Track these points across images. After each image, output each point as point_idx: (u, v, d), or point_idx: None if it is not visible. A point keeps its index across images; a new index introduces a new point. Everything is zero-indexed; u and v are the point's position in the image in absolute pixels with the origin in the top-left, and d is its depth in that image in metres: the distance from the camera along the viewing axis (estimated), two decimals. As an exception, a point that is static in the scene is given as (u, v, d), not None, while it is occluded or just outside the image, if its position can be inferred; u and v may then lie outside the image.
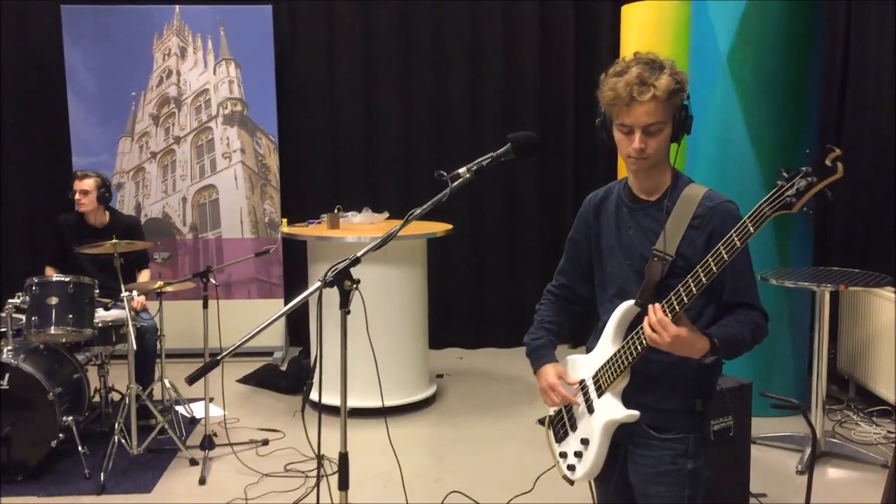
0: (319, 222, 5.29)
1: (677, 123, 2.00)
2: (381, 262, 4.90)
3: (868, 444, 4.40)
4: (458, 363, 6.24)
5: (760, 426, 4.46)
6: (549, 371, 2.24)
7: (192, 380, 1.86)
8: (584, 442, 2.15)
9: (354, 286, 1.92)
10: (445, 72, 6.46)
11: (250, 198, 6.23)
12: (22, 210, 6.41)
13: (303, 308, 5.21)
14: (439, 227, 5.13)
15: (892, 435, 4.52)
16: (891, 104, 5.06)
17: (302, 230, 5.15)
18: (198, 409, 4.79)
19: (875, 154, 5.21)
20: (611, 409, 2.09)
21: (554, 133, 6.40)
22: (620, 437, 2.12)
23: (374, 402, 4.92)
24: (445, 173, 2.06)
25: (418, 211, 2.06)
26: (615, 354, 2.09)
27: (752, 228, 1.79)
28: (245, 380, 5.67)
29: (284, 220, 5.60)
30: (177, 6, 6.10)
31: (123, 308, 4.24)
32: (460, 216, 6.42)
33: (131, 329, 4.04)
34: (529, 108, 6.42)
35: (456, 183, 2.06)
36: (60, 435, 4.04)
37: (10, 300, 4.12)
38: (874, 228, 5.19)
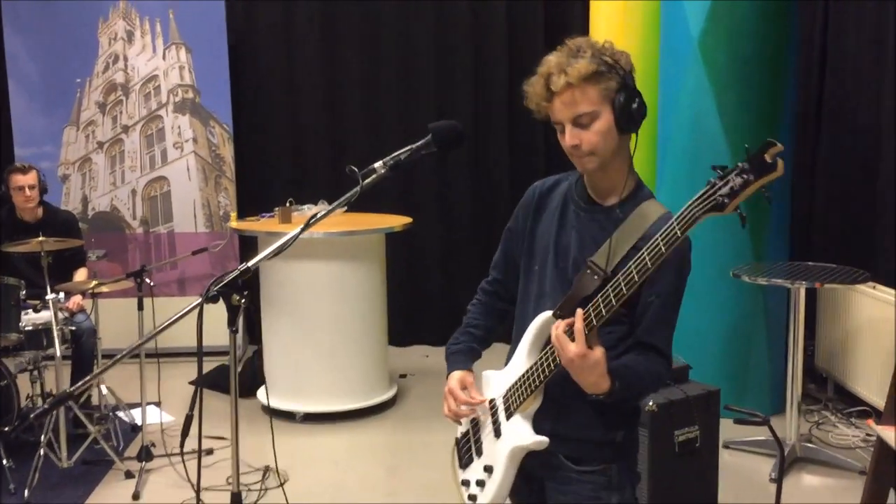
0: (272, 216, 5.01)
1: (616, 110, 1.74)
2: (334, 259, 4.64)
3: (846, 448, 4.19)
4: (424, 362, 5.99)
5: (733, 430, 4.24)
6: (454, 377, 1.99)
7: (36, 417, 1.58)
8: (488, 469, 1.90)
9: (243, 301, 1.64)
10: (411, 60, 6.17)
11: (204, 190, 5.93)
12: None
13: (257, 303, 4.96)
14: (398, 221, 4.87)
15: (871, 438, 4.30)
16: (872, 89, 4.82)
17: (251, 225, 4.88)
18: (150, 413, 4.51)
19: (856, 142, 4.98)
20: (518, 434, 1.84)
21: (527, 128, 6.11)
22: (535, 469, 1.88)
23: (328, 407, 4.70)
24: (357, 169, 1.78)
25: (322, 213, 1.78)
26: (527, 371, 1.84)
27: (679, 231, 1.54)
28: (196, 381, 5.39)
29: (233, 215, 5.32)
30: (123, -12, 5.78)
31: (59, 309, 3.98)
32: (428, 209, 6.18)
33: (55, 331, 3.77)
34: (497, 101, 6.15)
35: (369, 179, 1.79)
36: (-17, 448, 3.76)
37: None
38: (854, 221, 4.96)
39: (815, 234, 5.28)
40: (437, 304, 6.27)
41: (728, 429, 4.17)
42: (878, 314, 4.27)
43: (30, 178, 4.41)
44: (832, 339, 4.83)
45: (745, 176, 1.46)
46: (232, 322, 1.63)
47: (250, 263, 1.68)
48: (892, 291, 4.18)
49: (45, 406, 1.54)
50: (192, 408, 1.71)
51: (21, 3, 5.69)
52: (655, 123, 4.91)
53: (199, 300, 1.62)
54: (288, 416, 4.74)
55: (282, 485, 3.88)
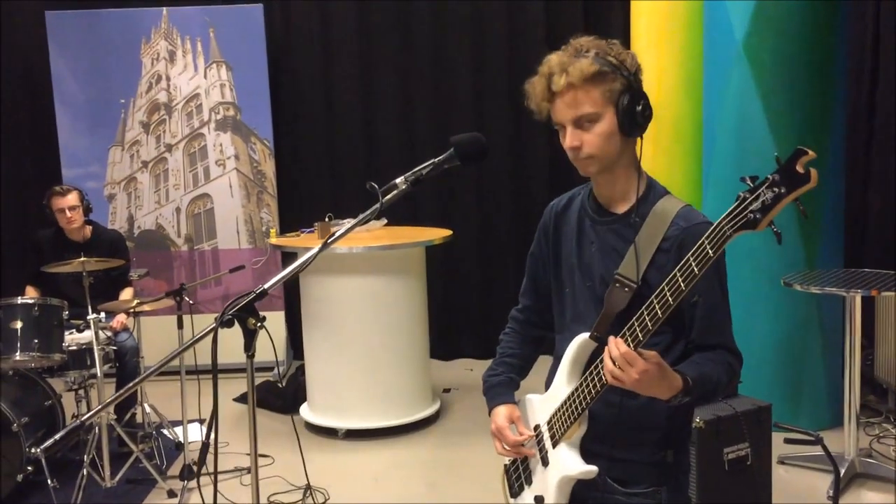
0: (312, 231, 5.00)
1: (620, 112, 1.66)
2: (374, 273, 4.60)
3: (909, 464, 3.99)
4: (468, 375, 5.91)
5: (790, 445, 4.09)
6: (500, 413, 1.91)
7: (46, 450, 1.54)
8: (539, 500, 1.83)
9: (260, 325, 1.59)
10: (448, 70, 6.12)
11: (246, 206, 5.96)
12: (12, 225, 6.20)
13: (300, 319, 4.95)
14: (437, 234, 4.81)
15: (937, 452, 4.11)
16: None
17: (290, 241, 4.87)
18: (192, 431, 4.52)
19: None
20: (566, 463, 1.76)
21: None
22: (581, 493, 1.79)
23: (370, 423, 4.65)
24: (377, 185, 1.72)
25: (341, 231, 1.72)
26: (569, 397, 1.76)
27: (710, 251, 1.45)
28: (241, 398, 5.40)
29: (273, 231, 5.32)
30: (164, 8, 5.84)
31: (102, 328, 4.01)
32: (469, 222, 6.12)
33: (97, 351, 3.79)
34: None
35: (389, 196, 1.73)
36: (28, 468, 3.79)
37: (-28, 325, 3.88)
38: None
39: (870, 240, 5.07)
40: (480, 317, 6.20)
41: (784, 444, 4.02)
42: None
43: (70, 200, 4.45)
44: (892, 348, 4.63)
45: (776, 189, 1.35)
46: (248, 347, 1.58)
47: (266, 286, 1.63)
48: (955, 298, 3.97)
49: (56, 437, 1.51)
50: (208, 435, 1.65)
51: (66, 25, 5.79)
52: (701, 127, 4.77)
53: (213, 325, 1.57)
54: (330, 432, 4.70)
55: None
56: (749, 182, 1.39)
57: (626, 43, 5.44)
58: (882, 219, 5.05)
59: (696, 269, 1.47)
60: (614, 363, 1.56)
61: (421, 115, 6.14)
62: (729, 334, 1.73)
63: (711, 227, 1.44)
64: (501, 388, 1.96)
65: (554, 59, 1.69)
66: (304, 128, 6.17)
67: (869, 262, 4.58)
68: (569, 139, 1.69)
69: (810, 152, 1.33)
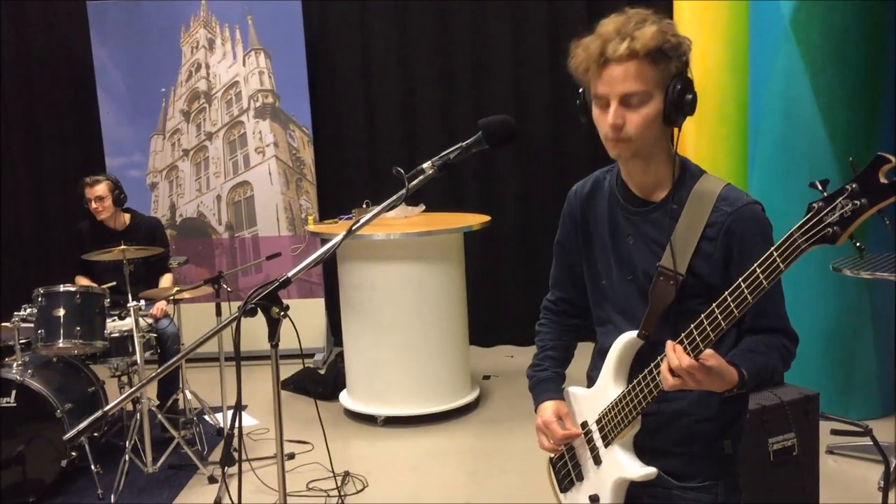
0: (350, 217, 4.99)
1: (669, 98, 1.55)
2: (412, 259, 4.57)
3: (965, 455, 3.85)
4: (509, 362, 5.87)
5: (839, 436, 3.97)
6: (548, 408, 1.85)
7: (69, 440, 1.54)
8: (594, 500, 1.78)
9: (283, 314, 1.56)
10: (487, 56, 6.05)
11: (286, 193, 5.97)
12: (60, 215, 6.30)
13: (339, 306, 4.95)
14: (475, 220, 4.76)
15: None
16: None
17: (327, 228, 4.86)
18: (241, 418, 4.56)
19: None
20: (622, 465, 1.71)
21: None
22: (635, 488, 1.74)
23: (409, 410, 4.63)
24: (403, 171, 1.68)
25: (365, 218, 1.68)
26: (622, 399, 1.69)
27: (781, 265, 1.36)
28: (282, 385, 5.43)
29: (311, 218, 5.32)
30: (203, -3, 5.86)
31: (142, 316, 4.05)
32: (510, 207, 6.05)
33: (137, 338, 3.83)
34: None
35: (416, 181, 1.68)
36: (73, 453, 3.85)
37: (16, 312, 3.94)
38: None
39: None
40: (519, 304, 6.14)
41: (832, 435, 3.90)
42: None
43: (97, 191, 4.49)
44: (947, 335, 4.47)
45: (857, 202, 1.25)
46: (272, 336, 1.55)
47: (290, 274, 1.60)
48: None
49: (81, 427, 1.50)
50: (232, 425, 1.63)
51: (107, 15, 5.84)
52: (746, 108, 4.64)
53: (236, 313, 1.54)
54: (369, 419, 4.70)
55: (359, 492, 3.85)
56: (820, 187, 1.29)
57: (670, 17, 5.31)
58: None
59: (764, 283, 1.39)
60: (674, 373, 1.50)
61: (460, 101, 6.07)
62: (784, 316, 1.66)
63: (783, 238, 1.35)
64: (549, 384, 1.90)
65: (612, 24, 1.56)
66: (343, 115, 6.15)
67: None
68: (612, 115, 1.56)
69: (894, 160, 1.22)
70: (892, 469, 3.59)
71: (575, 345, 2.01)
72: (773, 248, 1.37)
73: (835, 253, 4.04)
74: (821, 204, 1.29)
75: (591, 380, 1.84)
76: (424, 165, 1.70)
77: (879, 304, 4.23)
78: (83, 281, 4.53)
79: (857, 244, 1.29)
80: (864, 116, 4.16)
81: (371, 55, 6.10)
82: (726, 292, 1.45)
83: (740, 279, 1.42)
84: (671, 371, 1.50)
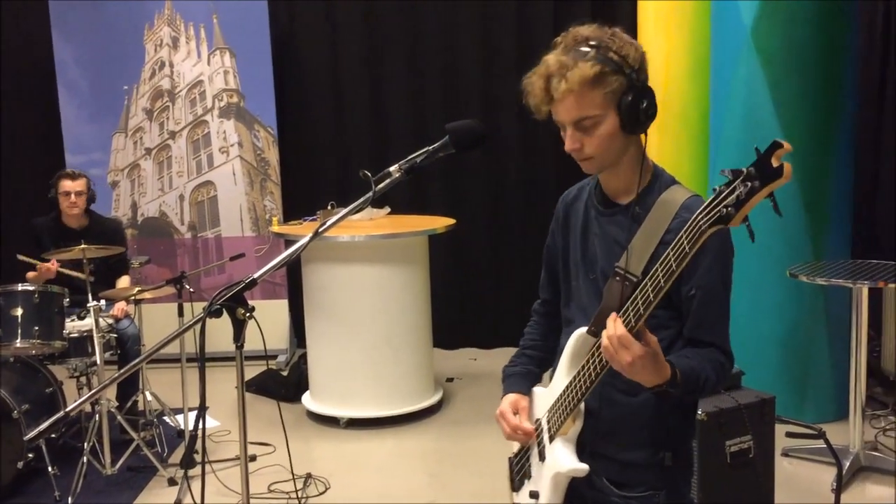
0: (315, 219, 4.97)
1: (623, 113, 1.60)
2: (377, 262, 4.57)
3: (915, 457, 3.95)
4: (472, 365, 5.89)
5: (794, 438, 4.04)
6: (505, 400, 1.89)
7: (31, 440, 1.52)
8: (534, 496, 1.79)
9: (249, 315, 1.56)
10: (456, 58, 6.07)
11: (250, 194, 5.93)
12: (19, 213, 6.18)
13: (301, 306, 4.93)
14: (440, 223, 4.78)
15: (943, 446, 4.06)
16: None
17: (291, 229, 4.85)
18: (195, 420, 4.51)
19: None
20: (559, 459, 1.72)
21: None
22: (582, 490, 1.76)
23: (372, 412, 4.63)
24: (370, 173, 1.69)
25: (332, 221, 1.69)
26: (565, 391, 1.72)
27: (688, 247, 1.40)
28: (245, 386, 5.38)
29: (275, 219, 5.30)
30: (167, -5, 5.81)
31: (102, 316, 4.00)
32: (476, 211, 6.08)
33: (97, 339, 3.78)
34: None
35: (383, 184, 1.69)
36: (29, 455, 3.78)
37: (-28, 312, 3.87)
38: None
39: (879, 230, 5.01)
40: (484, 307, 6.17)
41: (787, 437, 3.97)
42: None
43: (78, 185, 4.46)
44: (900, 340, 4.58)
45: (749, 183, 1.30)
46: (237, 337, 1.55)
47: (256, 275, 1.60)
48: (964, 290, 3.92)
49: (43, 427, 1.49)
50: (195, 427, 1.63)
51: (70, 11, 5.76)
52: (708, 115, 4.72)
53: (202, 314, 1.54)
54: (332, 421, 4.69)
55: (322, 493, 3.84)
56: (730, 175, 1.34)
57: (634, 28, 5.37)
58: (890, 209, 4.99)
59: (674, 266, 1.43)
60: (610, 344, 1.52)
61: (429, 103, 6.09)
62: (723, 334, 1.68)
63: (689, 221, 1.40)
64: (515, 379, 1.94)
65: (552, 59, 1.62)
66: (310, 115, 6.13)
67: (878, 253, 4.52)
68: (568, 141, 1.65)
69: (786, 145, 1.29)
70: (844, 471, 3.68)
71: (558, 347, 2.04)
72: (682, 231, 1.42)
73: (793, 259, 4.13)
74: (723, 187, 1.34)
75: (551, 379, 1.87)
76: (391, 168, 1.71)
77: (834, 310, 4.32)
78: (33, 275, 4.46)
79: (748, 225, 1.33)
80: (822, 125, 4.25)
81: (338, 55, 6.09)
82: (657, 265, 1.48)
83: (669, 249, 1.45)
84: (608, 342, 1.52)
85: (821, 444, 3.81)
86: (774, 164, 1.28)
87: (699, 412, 2.91)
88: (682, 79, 4.97)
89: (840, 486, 3.41)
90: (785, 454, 3.95)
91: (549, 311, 2.00)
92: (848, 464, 3.75)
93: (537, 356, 1.99)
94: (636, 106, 1.60)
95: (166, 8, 5.81)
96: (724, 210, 1.33)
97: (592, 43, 1.60)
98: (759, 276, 4.24)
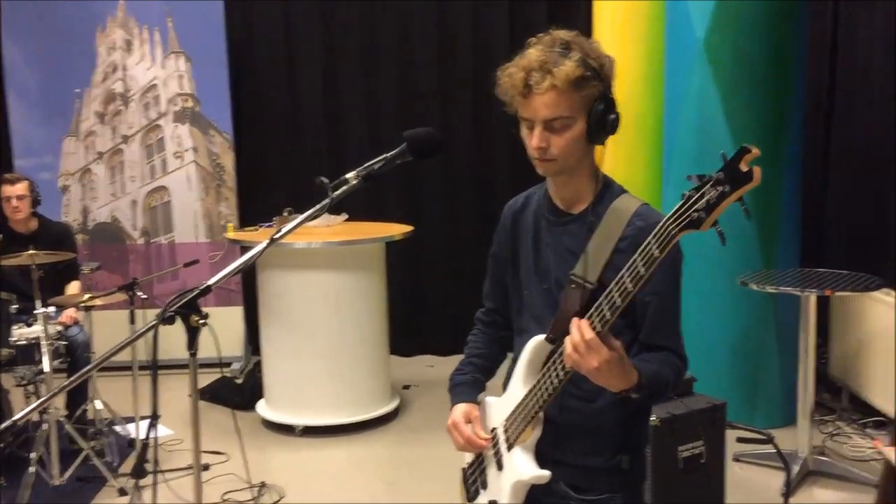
0: (271, 225, 4.93)
1: (592, 120, 1.63)
2: (333, 268, 4.55)
3: (860, 461, 4.04)
4: (429, 372, 5.88)
5: (744, 444, 4.11)
6: (458, 410, 1.90)
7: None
8: None
9: (203, 322, 1.54)
10: (412, 66, 6.08)
11: (204, 200, 5.87)
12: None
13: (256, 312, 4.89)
14: (397, 230, 4.78)
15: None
16: (884, 88, 4.67)
17: (246, 235, 4.80)
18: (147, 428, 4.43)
19: (869, 144, 4.84)
20: (519, 467, 1.73)
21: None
22: (538, 497, 1.77)
23: (328, 420, 4.61)
24: (327, 180, 1.68)
25: (288, 227, 1.68)
26: (525, 398, 1.73)
27: (657, 251, 1.42)
28: (198, 394, 5.31)
29: (230, 225, 5.25)
30: (121, -3, 5.73)
31: (51, 323, 3.91)
32: (433, 218, 6.09)
33: (45, 346, 3.70)
34: (500, 105, 6.02)
35: (339, 191, 1.69)
36: (-27, 466, 3.69)
37: (-85, 319, 3.76)
38: (867, 225, 4.81)
39: (827, 240, 5.13)
40: (441, 314, 6.17)
41: (737, 443, 4.03)
42: (892, 321, 4.12)
43: (18, 189, 4.36)
44: (846, 347, 4.69)
45: (719, 187, 1.32)
46: (191, 344, 1.53)
47: (210, 282, 1.58)
48: (907, 298, 4.03)
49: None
50: (147, 434, 1.61)
51: (20, 12, 5.65)
52: (661, 126, 4.79)
53: (154, 321, 1.52)
54: (287, 429, 4.65)
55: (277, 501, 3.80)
56: (696, 181, 1.36)
57: (588, 36, 5.43)
58: (838, 219, 5.12)
59: (642, 270, 1.44)
60: (576, 349, 1.53)
61: (386, 110, 6.09)
62: (677, 338, 1.71)
63: (658, 226, 1.42)
64: (464, 388, 1.94)
65: (536, 53, 1.63)
66: (267, 121, 6.09)
67: (825, 262, 4.62)
68: (536, 139, 1.65)
69: (754, 149, 1.31)
70: (793, 476, 3.75)
71: (502, 357, 2.04)
72: (650, 237, 1.43)
73: (743, 267, 4.21)
74: (692, 192, 1.36)
75: (505, 388, 1.87)
76: (348, 175, 1.71)
77: (784, 318, 4.41)
78: None
79: (719, 230, 1.36)
80: (772, 135, 4.35)
81: (296, 59, 6.05)
82: (623, 270, 1.50)
83: (636, 255, 1.47)
84: (575, 347, 1.53)
85: (770, 449, 3.89)
86: (744, 168, 1.30)
87: (653, 418, 2.95)
88: (636, 88, 5.04)
89: (789, 490, 3.48)
90: (736, 459, 4.01)
91: (493, 320, 2.01)
92: (797, 468, 3.83)
93: (483, 364, 2.00)
94: (605, 116, 1.64)
95: (119, 10, 5.73)
96: (695, 214, 1.35)
97: (575, 46, 1.62)
98: (711, 284, 4.32)
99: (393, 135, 6.62)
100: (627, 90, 5.03)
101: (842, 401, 4.76)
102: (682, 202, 1.38)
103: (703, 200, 1.33)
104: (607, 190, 1.73)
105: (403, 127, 1.77)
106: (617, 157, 5.02)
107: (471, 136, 6.01)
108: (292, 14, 6.01)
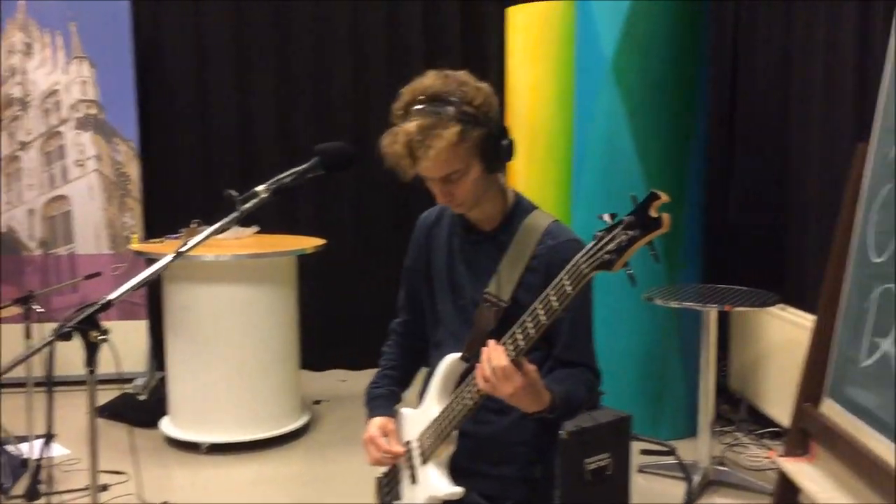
0: (178, 237, 4.81)
1: (487, 159, 1.67)
2: (243, 282, 4.46)
3: (758, 470, 4.19)
4: (341, 386, 5.83)
5: (649, 455, 4.21)
6: (374, 423, 1.90)
7: None
8: None
9: (102, 338, 1.49)
10: (328, 74, 6.05)
11: (107, 209, 5.67)
12: None
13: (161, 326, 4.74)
14: (309, 243, 4.73)
15: (783, 459, 4.33)
16: (780, 113, 4.90)
17: (152, 247, 4.66)
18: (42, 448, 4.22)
19: (766, 166, 5.05)
20: (433, 483, 1.74)
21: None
22: None
23: (235, 437, 4.50)
24: (237, 192, 1.65)
25: (195, 240, 1.64)
26: (440, 416, 1.74)
27: (569, 288, 1.45)
28: (98, 411, 5.11)
29: (134, 237, 5.10)
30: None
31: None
32: (346, 231, 6.05)
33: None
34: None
35: (249, 204, 1.66)
36: None
37: None
38: (765, 243, 5.02)
39: (728, 257, 5.33)
40: (353, 327, 6.12)
41: (642, 454, 4.14)
42: (788, 336, 4.31)
43: None
44: (744, 360, 4.87)
45: (630, 231, 1.36)
46: (90, 361, 1.47)
47: (112, 296, 1.53)
48: (802, 313, 4.22)
49: None
50: (41, 453, 1.54)
51: None
52: (572, 144, 4.89)
53: (50, 338, 1.46)
54: (192, 447, 4.52)
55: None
56: (608, 220, 1.39)
57: (501, 57, 5.52)
58: (738, 236, 5.32)
59: (555, 304, 1.46)
60: (490, 375, 1.53)
61: (300, 119, 6.02)
62: (590, 353, 1.76)
63: (569, 265, 1.44)
64: (381, 401, 1.94)
65: (413, 126, 1.62)
66: (174, 129, 5.94)
67: (727, 278, 4.79)
68: (439, 197, 1.71)
69: (663, 196, 1.35)
70: (694, 485, 3.87)
71: (418, 368, 2.06)
72: (562, 273, 1.46)
73: (650, 283, 4.33)
74: (603, 233, 1.39)
75: (421, 401, 1.88)
76: (259, 189, 1.69)
77: (687, 332, 4.55)
78: None
79: (629, 272, 1.39)
80: (676, 153, 4.50)
81: (207, 66, 5.93)
82: (535, 302, 1.52)
83: (549, 289, 1.49)
84: (490, 373, 1.54)
85: (673, 460, 4.01)
86: (653, 214, 1.33)
87: (561, 431, 2.99)
88: (548, 106, 5.14)
89: (690, 499, 3.58)
90: (640, 470, 4.10)
91: (407, 331, 2.02)
92: (698, 478, 3.94)
93: (398, 376, 2.01)
94: (496, 149, 1.67)
95: (19, 12, 5.51)
96: (606, 256, 1.37)
97: (446, 98, 1.63)
98: (618, 299, 4.41)
99: (307, 143, 6.62)
100: (539, 107, 5.14)
101: (740, 412, 4.93)
102: (593, 242, 1.41)
103: (615, 243, 1.36)
104: (518, 207, 1.77)
105: (319, 138, 1.76)
106: (529, 178, 5.12)
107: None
108: (203, 17, 5.89)
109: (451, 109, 1.62)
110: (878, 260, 2.06)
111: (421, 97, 1.65)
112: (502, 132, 1.69)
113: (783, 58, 4.85)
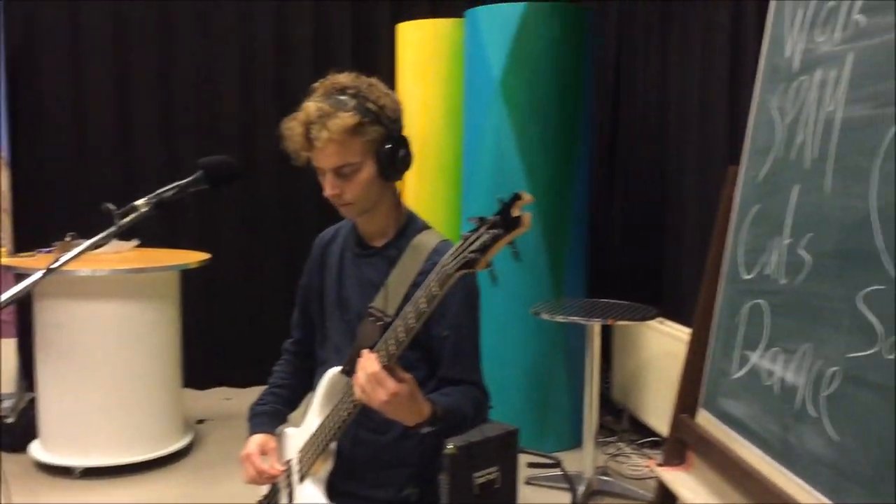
0: (51, 251, 4.58)
1: (381, 161, 1.69)
2: (121, 298, 4.29)
3: (639, 479, 4.33)
4: (225, 405, 5.67)
5: (535, 467, 4.28)
6: (253, 441, 1.87)
7: None
8: None
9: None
10: (215, 83, 5.89)
11: (-26, 221, 5.34)
12: None
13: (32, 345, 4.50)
14: (193, 258, 4.59)
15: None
16: (657, 132, 5.11)
17: (22, 261, 4.42)
18: None
19: (645, 183, 5.26)
20: (308, 500, 1.73)
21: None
22: None
23: (112, 460, 4.31)
24: (114, 206, 1.59)
25: (69, 255, 1.57)
26: (317, 430, 1.73)
27: (436, 289, 1.46)
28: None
29: (3, 250, 4.83)
30: None
31: None
32: (232, 246, 5.90)
33: None
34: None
35: (127, 219, 1.60)
36: None
37: None
38: (645, 259, 5.22)
39: (611, 273, 5.51)
40: (239, 345, 5.99)
41: (528, 467, 4.20)
42: (666, 348, 4.48)
43: None
44: (626, 372, 5.03)
45: (493, 231, 1.38)
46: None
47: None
48: (679, 327, 4.39)
49: None
50: None
51: None
52: (461, 159, 4.95)
53: None
54: (65, 471, 4.30)
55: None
56: (476, 222, 1.42)
57: (392, 73, 5.54)
58: (620, 252, 5.50)
59: (424, 306, 1.47)
60: (364, 382, 1.52)
61: (184, 129, 5.84)
62: (477, 371, 1.77)
63: (437, 267, 1.46)
64: (263, 418, 1.92)
65: (312, 107, 1.67)
66: (48, 136, 5.66)
67: (610, 293, 4.95)
68: (328, 188, 1.70)
69: (525, 196, 1.39)
70: (578, 496, 3.96)
71: (308, 389, 2.02)
72: (431, 274, 1.47)
73: (536, 297, 4.42)
74: (469, 234, 1.42)
75: (304, 419, 1.86)
76: (138, 203, 1.64)
77: (572, 345, 4.67)
78: None
79: (491, 271, 1.42)
80: (561, 170, 4.62)
81: (84, 70, 5.67)
82: (408, 306, 1.52)
83: (419, 291, 1.50)
84: (364, 381, 1.52)
85: (559, 471, 4.10)
86: (515, 213, 1.36)
87: (449, 446, 3.01)
88: (438, 123, 5.18)
89: (576, 510, 3.66)
90: (528, 482, 4.17)
91: (300, 351, 2.00)
92: (582, 488, 4.04)
93: (286, 395, 1.99)
94: (393, 155, 1.69)
95: None
96: (470, 255, 1.39)
97: (351, 92, 1.67)
98: (505, 314, 4.49)
99: (194, 158, 6.42)
100: (429, 124, 5.18)
101: (623, 423, 5.09)
102: (460, 242, 1.43)
103: (479, 242, 1.38)
104: (410, 224, 1.78)
105: (205, 149, 1.73)
106: (420, 195, 5.15)
107: (276, 162, 5.86)
108: (81, 22, 5.64)
109: (353, 101, 1.67)
110: (748, 277, 2.17)
111: (330, 89, 1.70)
112: (402, 141, 1.71)
113: (661, 84, 5.07)
